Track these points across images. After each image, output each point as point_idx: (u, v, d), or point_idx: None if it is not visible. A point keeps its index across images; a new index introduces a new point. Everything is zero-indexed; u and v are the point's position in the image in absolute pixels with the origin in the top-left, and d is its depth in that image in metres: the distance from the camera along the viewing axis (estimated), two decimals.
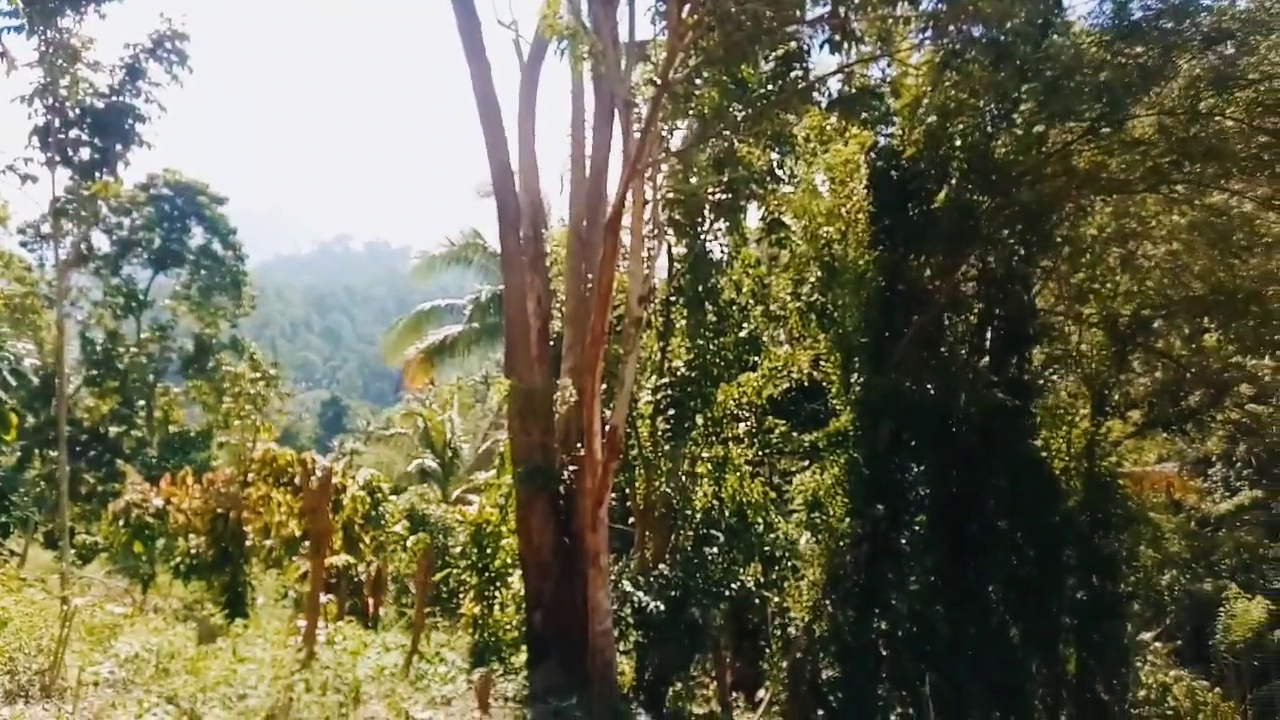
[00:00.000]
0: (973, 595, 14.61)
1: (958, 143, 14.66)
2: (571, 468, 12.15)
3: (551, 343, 13.96)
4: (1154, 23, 12.52)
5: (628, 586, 12.27)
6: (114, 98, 17.61)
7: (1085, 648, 15.61)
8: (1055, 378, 17.43)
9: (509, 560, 14.20)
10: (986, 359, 16.63)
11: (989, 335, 16.72)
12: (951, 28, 9.91)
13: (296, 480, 15.08)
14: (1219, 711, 17.67)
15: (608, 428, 11.38)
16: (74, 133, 17.24)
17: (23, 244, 30.68)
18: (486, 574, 14.38)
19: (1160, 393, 18.07)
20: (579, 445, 11.79)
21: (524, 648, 12.73)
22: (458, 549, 16.14)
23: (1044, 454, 16.05)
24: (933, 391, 15.69)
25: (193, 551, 16.12)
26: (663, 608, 12.04)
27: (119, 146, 17.62)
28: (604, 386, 12.32)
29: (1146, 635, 19.29)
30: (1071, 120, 13.59)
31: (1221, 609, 22.89)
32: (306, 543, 14.89)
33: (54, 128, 16.86)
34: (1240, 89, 12.66)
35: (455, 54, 15.87)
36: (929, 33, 10.24)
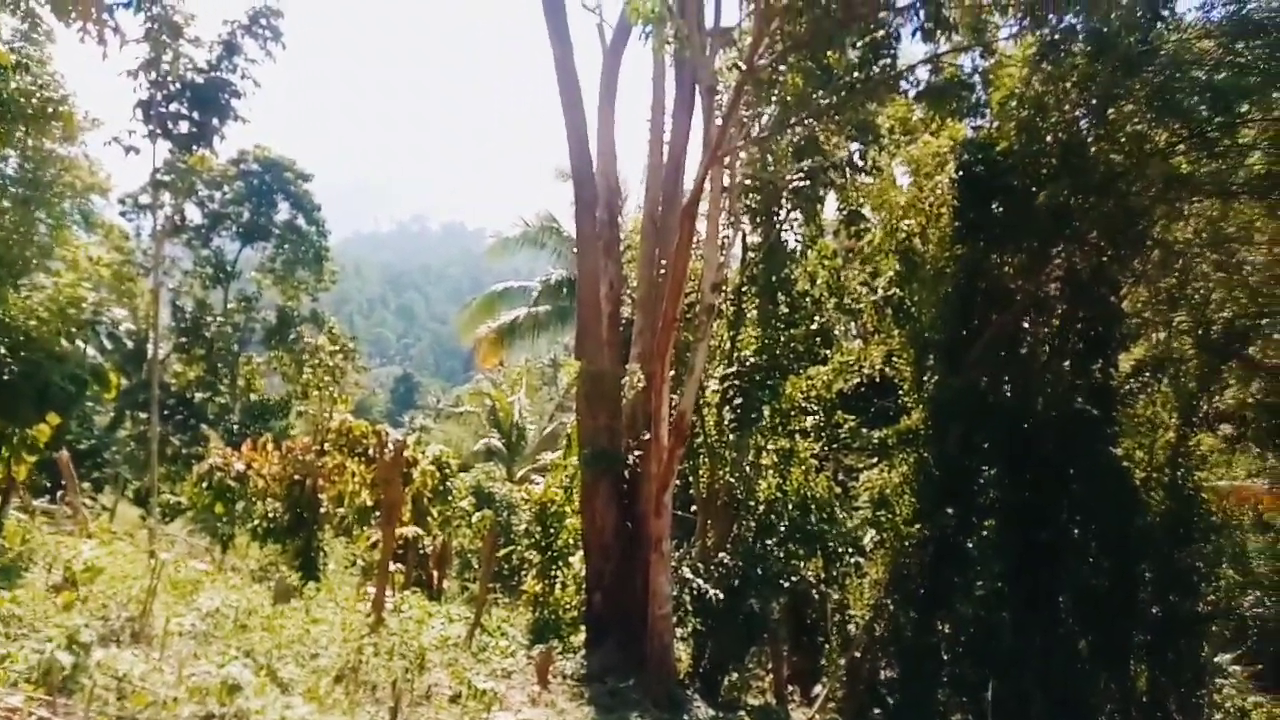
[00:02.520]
0: (1041, 604, 14.21)
1: (1050, 139, 14.17)
2: (637, 452, 12.22)
3: (622, 328, 14.03)
4: (1276, 22, 11.82)
5: (688, 573, 12.31)
6: (212, 73, 18.27)
7: (1158, 665, 15.04)
8: (1141, 386, 16.75)
9: (571, 541, 14.38)
10: (1068, 363, 16.09)
11: (1071, 339, 16.17)
12: (1051, 17, 9.56)
13: (370, 451, 15.53)
14: None
15: (675, 414, 11.41)
16: (174, 106, 17.93)
17: (121, 214, 32.18)
18: (549, 553, 14.59)
19: (1254, 406, 17.22)
20: (646, 430, 11.85)
21: (583, 627, 12.89)
22: (521, 527, 16.42)
23: (1125, 463, 15.46)
24: (1009, 394, 15.29)
25: (270, 515, 16.72)
26: (722, 596, 12.04)
27: (215, 121, 18.27)
28: (672, 373, 12.37)
29: (1226, 657, 18.46)
30: (1177, 122, 12.99)
31: None
32: (377, 513, 15.33)
33: (156, 101, 17.58)
34: None
35: (538, 36, 15.96)
36: (1026, 21, 9.90)
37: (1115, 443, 15.38)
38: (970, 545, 14.56)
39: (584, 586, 12.87)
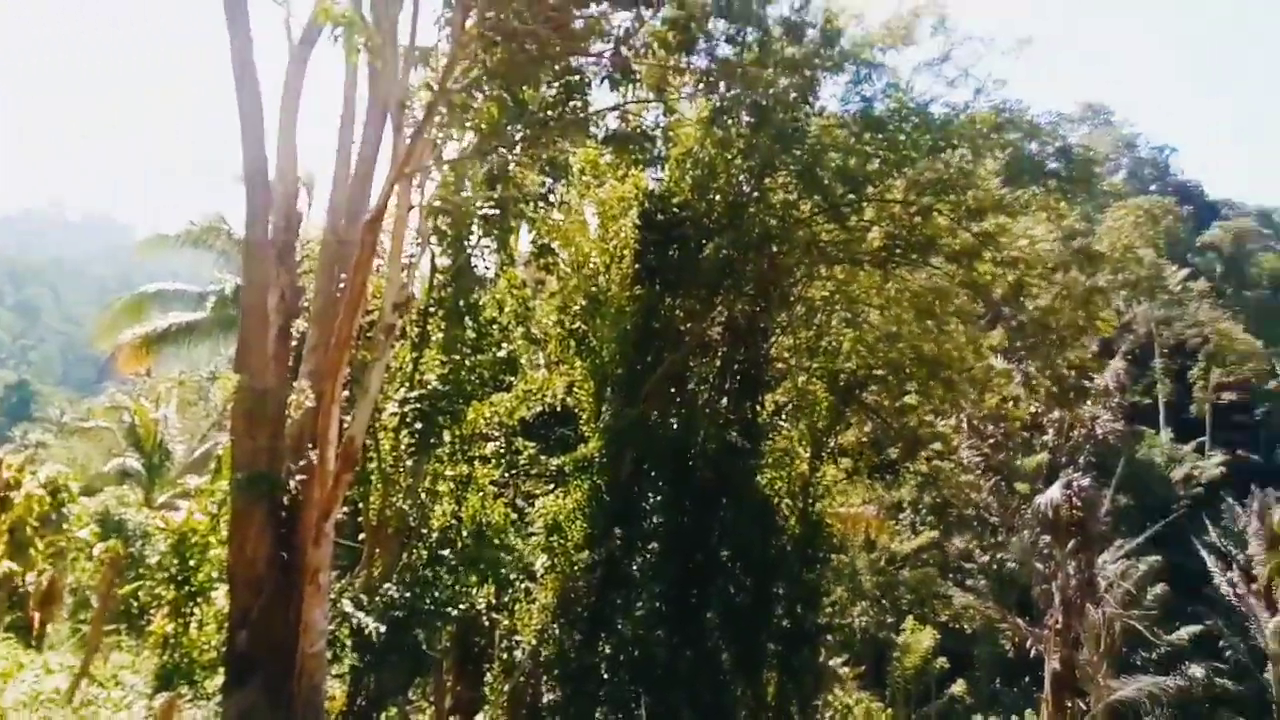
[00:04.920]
0: (692, 621, 15.41)
1: (718, 198, 15.72)
2: (300, 477, 11.35)
3: (296, 344, 13.04)
4: (896, 122, 14.20)
5: (348, 606, 11.63)
6: None
7: (786, 672, 16.97)
8: (783, 423, 19.00)
9: (215, 574, 12.92)
10: (726, 400, 17.79)
11: (730, 379, 17.93)
12: (721, 85, 10.62)
13: None
14: None
15: (345, 437, 10.80)
16: None
17: None
18: (187, 588, 12.97)
19: (867, 443, 20.30)
20: (312, 453, 11.07)
21: (221, 670, 11.61)
22: (156, 559, 14.44)
23: (767, 492, 17.40)
24: (676, 426, 16.52)
25: None
26: (383, 629, 11.52)
27: None
28: (347, 394, 11.71)
29: (836, 661, 21.38)
30: (818, 195, 15.06)
31: (899, 638, 26.02)
32: None
33: None
34: (953, 193, 14.73)
35: (215, 24, 14.49)
36: (701, 87, 10.90)
37: (760, 472, 17.26)
38: (635, 568, 15.42)
39: (227, 625, 11.61)
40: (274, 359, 12.20)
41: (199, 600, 12.87)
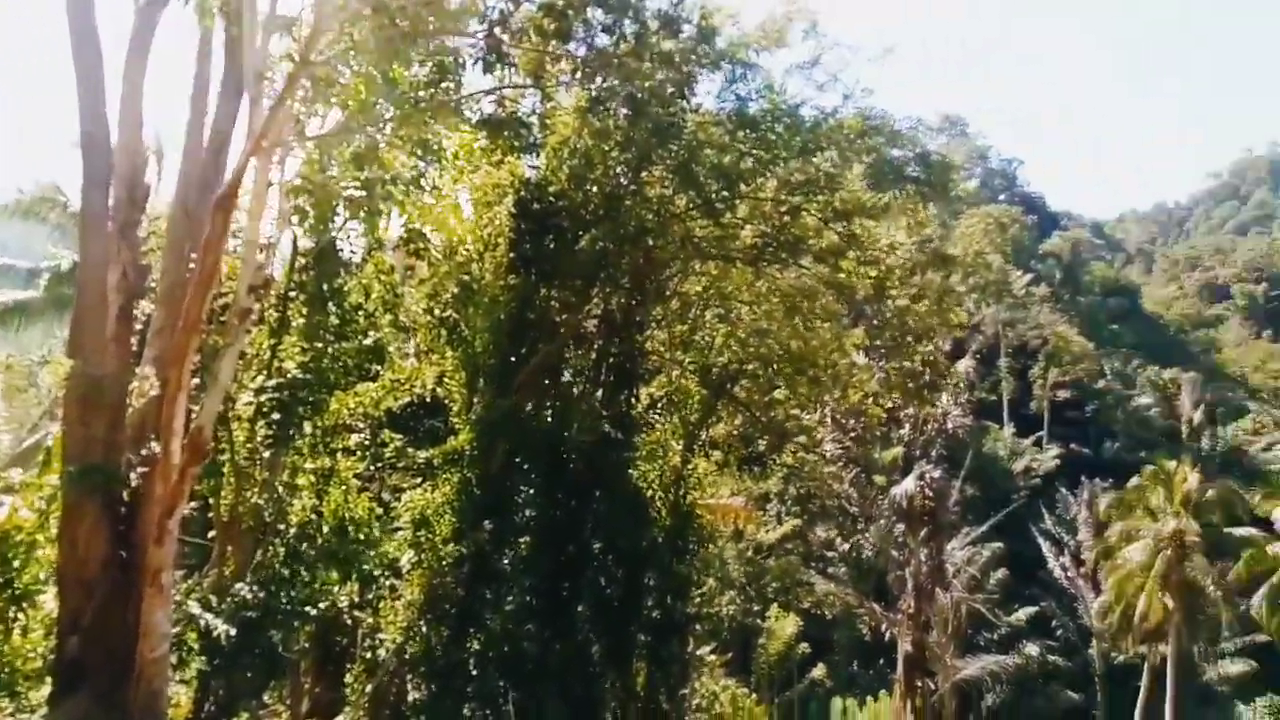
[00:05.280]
0: (563, 614, 15.35)
1: (595, 189, 15.67)
2: (141, 470, 10.57)
3: (140, 327, 12.12)
4: (769, 122, 14.52)
5: (195, 607, 10.93)
6: None
7: (654, 663, 17.17)
8: (656, 416, 19.20)
9: (43, 575, 11.85)
10: (600, 393, 17.80)
11: (604, 371, 17.95)
12: (599, 76, 10.57)
13: None
14: (753, 714, 20.53)
15: (193, 427, 10.12)
16: None
17: None
18: (10, 591, 11.84)
19: (737, 436, 20.79)
20: (154, 444, 10.32)
21: (49, 679, 10.68)
22: None
23: (640, 484, 17.51)
24: (550, 418, 16.39)
25: None
26: (234, 631, 10.89)
27: None
28: (197, 382, 11.00)
29: (704, 650, 21.84)
30: (693, 191, 15.25)
31: (764, 625, 26.89)
32: None
33: None
34: (820, 194, 15.24)
35: None
36: (578, 76, 10.81)
37: (633, 465, 17.35)
38: (505, 562, 15.19)
39: (56, 629, 10.68)
40: (113, 342, 11.31)
41: (24, 604, 11.76)
